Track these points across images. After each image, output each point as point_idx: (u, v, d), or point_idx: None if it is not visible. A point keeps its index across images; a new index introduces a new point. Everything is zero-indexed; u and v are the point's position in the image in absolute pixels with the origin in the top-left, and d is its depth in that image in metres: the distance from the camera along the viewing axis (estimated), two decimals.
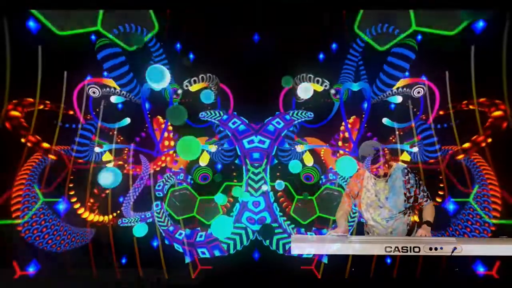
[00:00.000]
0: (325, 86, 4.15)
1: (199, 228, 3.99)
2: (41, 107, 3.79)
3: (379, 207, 3.13)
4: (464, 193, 3.81)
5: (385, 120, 4.12)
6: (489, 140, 3.62)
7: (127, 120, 4.10)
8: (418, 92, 3.96)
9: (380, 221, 3.15)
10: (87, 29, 3.83)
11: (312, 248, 3.39)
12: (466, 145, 3.67)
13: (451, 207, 3.76)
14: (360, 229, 3.64)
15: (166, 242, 3.92)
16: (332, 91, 4.16)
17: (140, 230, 3.68)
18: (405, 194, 3.10)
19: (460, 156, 3.70)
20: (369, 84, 4.14)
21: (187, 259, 3.89)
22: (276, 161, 4.13)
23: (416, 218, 3.25)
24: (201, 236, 3.91)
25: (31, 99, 3.70)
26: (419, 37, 3.89)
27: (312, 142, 4.28)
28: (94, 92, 3.88)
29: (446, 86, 3.72)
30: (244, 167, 4.08)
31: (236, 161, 4.15)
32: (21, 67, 3.51)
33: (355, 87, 4.16)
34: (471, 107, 3.82)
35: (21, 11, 3.44)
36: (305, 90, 3.87)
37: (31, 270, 3.32)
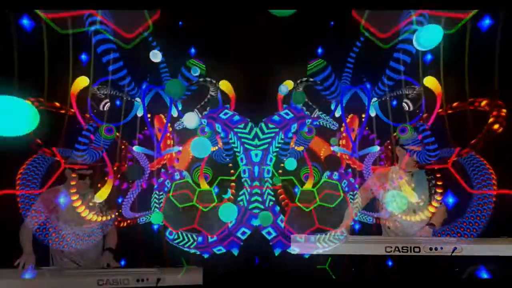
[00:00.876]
0: (300, 81, 4.10)
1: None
2: (63, 111, 3.77)
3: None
4: (467, 193, 3.78)
5: (374, 106, 4.08)
6: (504, 110, 3.41)
7: (139, 102, 4.05)
8: (403, 108, 3.82)
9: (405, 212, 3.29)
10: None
11: (312, 248, 3.40)
12: (490, 120, 3.42)
13: (454, 206, 3.72)
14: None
15: (206, 255, 3.93)
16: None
17: (157, 218, 3.65)
18: (429, 190, 3.23)
19: (497, 126, 3.38)
20: (369, 85, 4.11)
21: (235, 251, 3.95)
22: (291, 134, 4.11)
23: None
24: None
25: (57, 103, 3.71)
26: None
27: (315, 141, 4.26)
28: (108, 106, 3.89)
29: (444, 87, 3.66)
30: (231, 131, 4.05)
31: (222, 134, 4.08)
32: (25, 68, 3.51)
33: (354, 89, 4.13)
34: (449, 111, 3.74)
35: (23, 11, 3.45)
36: (300, 98, 3.89)
37: (31, 270, 3.32)
